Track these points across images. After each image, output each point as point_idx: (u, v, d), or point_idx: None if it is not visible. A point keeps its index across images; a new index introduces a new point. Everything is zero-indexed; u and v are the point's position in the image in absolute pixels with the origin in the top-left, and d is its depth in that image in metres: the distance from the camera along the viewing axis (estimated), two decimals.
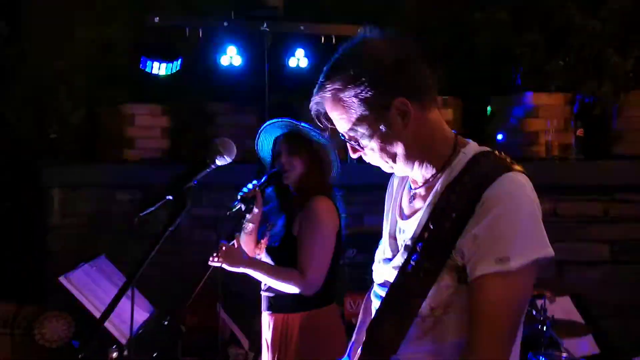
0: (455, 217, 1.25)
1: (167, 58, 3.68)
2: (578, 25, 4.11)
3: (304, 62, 4.16)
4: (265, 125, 2.69)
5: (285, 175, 2.60)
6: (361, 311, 1.75)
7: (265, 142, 2.75)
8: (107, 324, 2.55)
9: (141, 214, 1.54)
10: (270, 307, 2.61)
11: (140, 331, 2.80)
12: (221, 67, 4.29)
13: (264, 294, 2.64)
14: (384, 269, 1.44)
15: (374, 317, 1.37)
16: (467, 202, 1.25)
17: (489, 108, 4.44)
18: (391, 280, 1.36)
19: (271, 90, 3.98)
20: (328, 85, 1.33)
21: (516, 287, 1.23)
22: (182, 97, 4.87)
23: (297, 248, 2.51)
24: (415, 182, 1.42)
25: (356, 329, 1.72)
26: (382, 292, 1.40)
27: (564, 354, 2.80)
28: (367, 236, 3.93)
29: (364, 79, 1.29)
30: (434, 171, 1.36)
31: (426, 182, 1.38)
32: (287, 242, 2.55)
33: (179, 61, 3.83)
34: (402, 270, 1.32)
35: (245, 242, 2.69)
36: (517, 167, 1.30)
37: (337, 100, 1.32)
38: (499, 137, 4.34)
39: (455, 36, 4.55)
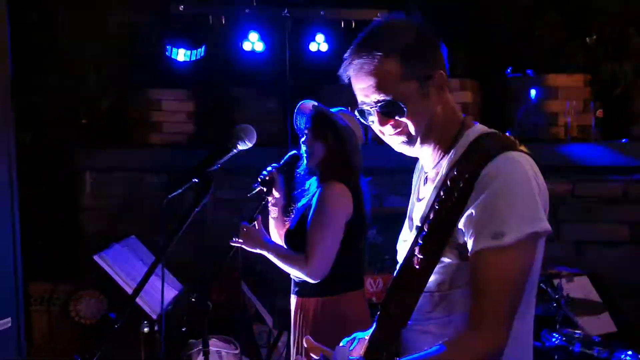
0: (457, 196, 1.30)
1: (191, 45, 3.77)
2: (598, 6, 4.10)
3: (324, 47, 4.21)
4: (298, 105, 2.70)
5: (309, 161, 2.62)
6: None
7: (300, 121, 2.73)
8: (138, 300, 2.68)
9: (169, 196, 1.65)
10: (294, 290, 2.66)
11: (170, 307, 2.94)
12: (243, 52, 4.37)
13: (292, 276, 2.67)
14: (402, 249, 1.51)
15: (386, 294, 1.43)
16: (467, 181, 1.29)
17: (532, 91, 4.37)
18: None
19: (292, 75, 4.05)
20: (365, 55, 1.36)
21: (512, 262, 1.27)
22: (207, 83, 4.97)
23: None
24: (427, 165, 1.48)
25: None
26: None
27: (578, 332, 2.85)
28: (386, 217, 4.04)
29: (410, 49, 1.35)
30: (442, 153, 1.42)
31: (436, 164, 1.44)
32: (300, 226, 2.57)
33: (203, 48, 3.92)
34: (411, 249, 1.37)
35: (274, 226, 2.77)
36: (520, 147, 1.34)
37: (380, 69, 1.35)
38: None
39: (475, 19, 4.56)
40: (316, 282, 2.49)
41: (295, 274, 2.55)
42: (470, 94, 4.53)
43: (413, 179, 1.63)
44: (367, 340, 1.46)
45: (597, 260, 4.13)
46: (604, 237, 4.18)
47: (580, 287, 3.49)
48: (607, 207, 4.16)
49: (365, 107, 1.41)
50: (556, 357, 2.67)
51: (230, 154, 1.79)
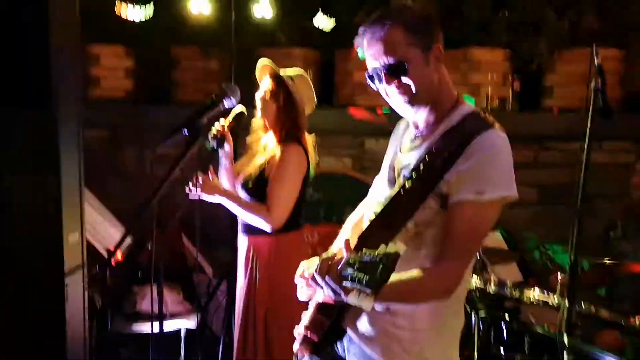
0: (447, 155, 1.56)
1: (138, 2, 3.81)
2: None
3: (268, 13, 4.36)
4: (259, 62, 2.91)
5: (262, 114, 2.87)
6: (346, 228, 2.04)
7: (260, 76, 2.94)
8: (95, 243, 2.84)
9: (165, 141, 1.84)
10: (245, 229, 2.91)
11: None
12: (190, 14, 4.47)
13: (240, 218, 2.92)
14: (381, 191, 1.76)
15: (367, 227, 1.67)
16: (458, 146, 1.55)
17: None
18: (386, 199, 1.66)
19: (237, 41, 4.18)
20: (376, 25, 1.59)
21: (485, 215, 1.56)
22: (148, 41, 5.01)
23: (267, 188, 2.77)
24: (417, 125, 1.72)
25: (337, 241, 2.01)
26: (377, 208, 1.69)
27: (492, 275, 3.22)
28: (320, 176, 4.31)
29: (414, 22, 1.60)
30: (435, 118, 1.68)
31: (427, 126, 1.69)
32: (260, 182, 2.81)
33: (152, 7, 3.97)
34: (398, 192, 1.62)
35: (225, 177, 2.98)
36: (498, 125, 1.61)
37: (389, 35, 1.58)
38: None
39: None
40: (273, 230, 2.76)
41: (254, 220, 2.78)
42: None
43: (392, 139, 1.87)
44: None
45: (509, 219, 4.57)
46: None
47: (491, 241, 3.90)
48: (520, 171, 4.59)
49: (374, 69, 1.64)
50: (474, 295, 3.05)
51: (216, 109, 1.99)
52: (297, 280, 1.79)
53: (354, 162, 4.73)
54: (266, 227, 2.77)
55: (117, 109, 5.00)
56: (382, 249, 1.29)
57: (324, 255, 1.62)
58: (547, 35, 4.59)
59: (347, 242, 1.48)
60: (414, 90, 1.63)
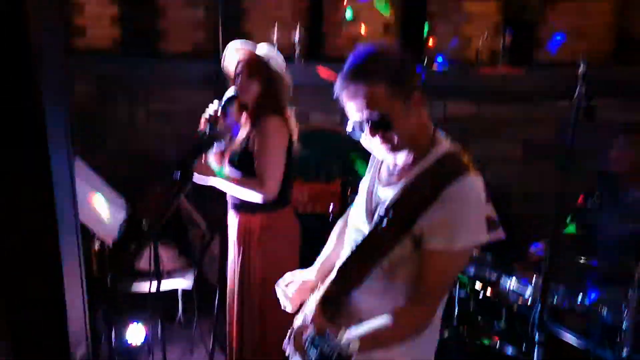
0: (421, 199, 1.62)
1: None
2: None
3: None
4: (229, 46, 2.95)
5: (243, 96, 2.91)
6: (333, 238, 2.12)
7: (229, 60, 2.99)
8: (93, 228, 2.92)
9: (160, 183, 1.91)
10: (235, 207, 3.02)
11: (122, 230, 3.17)
12: None
13: (229, 196, 3.03)
14: (359, 219, 1.83)
15: (345, 260, 1.78)
16: (433, 191, 1.61)
17: (426, 25, 4.68)
18: (365, 230, 1.76)
19: None
20: (358, 81, 1.61)
21: (455, 263, 1.66)
22: None
23: (254, 162, 2.86)
24: (396, 163, 1.77)
25: (325, 254, 2.11)
26: (355, 236, 1.80)
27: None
28: (312, 133, 4.35)
29: (394, 75, 1.62)
30: (412, 159, 1.73)
31: (405, 165, 1.74)
32: (245, 157, 2.89)
33: None
34: (375, 230, 1.71)
35: (214, 159, 3.03)
36: (474, 169, 1.65)
37: (371, 91, 1.60)
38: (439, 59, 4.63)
39: None
40: (267, 201, 2.86)
41: (250, 196, 2.87)
42: (392, 13, 4.75)
43: (371, 160, 1.92)
44: (321, 293, 1.83)
45: (496, 175, 4.68)
46: (503, 154, 4.72)
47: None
48: (507, 128, 4.65)
49: (357, 121, 1.68)
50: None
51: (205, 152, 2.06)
52: (278, 289, 2.04)
53: (343, 118, 4.74)
54: (260, 199, 2.86)
55: (104, 60, 4.95)
56: (341, 335, 1.49)
57: (301, 318, 1.84)
58: None
59: (314, 318, 1.70)
60: (396, 141, 1.67)
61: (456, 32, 4.67)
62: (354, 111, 1.68)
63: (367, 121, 1.66)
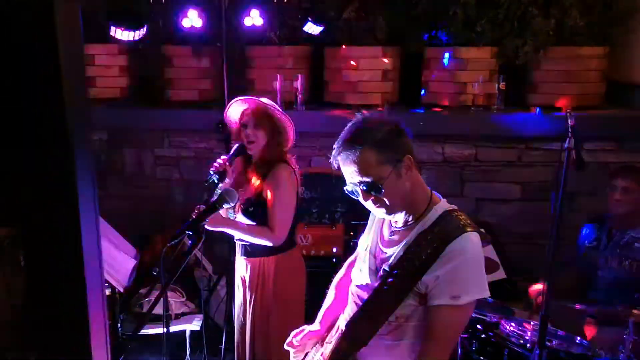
0: (424, 258, 1.73)
1: (133, 26, 3.89)
2: None
3: (258, 22, 4.44)
4: (235, 99, 3.11)
5: (249, 147, 3.06)
6: (332, 290, 2.23)
7: (233, 112, 3.16)
8: (105, 275, 3.01)
9: (169, 244, 2.03)
10: (246, 253, 3.15)
11: (132, 278, 3.27)
12: (182, 29, 4.56)
13: (238, 242, 3.16)
14: (363, 277, 1.92)
15: (353, 316, 1.87)
16: (434, 250, 1.72)
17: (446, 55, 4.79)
18: (369, 288, 1.85)
19: (228, 47, 4.28)
20: (349, 149, 1.73)
21: (461, 317, 1.77)
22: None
23: (267, 209, 3.00)
24: (398, 223, 1.87)
25: (326, 305, 2.22)
26: (360, 293, 1.90)
27: None
28: (314, 176, 4.46)
29: (383, 141, 1.73)
30: (412, 218, 1.83)
31: (405, 225, 1.85)
32: (259, 206, 3.03)
33: (145, 28, 4.05)
34: (380, 288, 1.81)
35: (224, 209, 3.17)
36: (472, 227, 1.76)
37: (361, 158, 1.72)
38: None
39: None
40: (276, 246, 3.02)
41: (261, 242, 3.02)
42: (391, 60, 4.93)
43: (371, 220, 2.02)
44: (331, 348, 1.93)
45: (494, 214, 4.80)
46: (500, 195, 4.84)
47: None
48: (504, 169, 4.78)
49: (351, 187, 1.79)
50: None
51: (216, 212, 2.19)
52: (287, 347, 2.13)
53: None
54: (270, 244, 3.01)
55: (115, 110, 5.11)
56: None
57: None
58: (531, 33, 4.67)
59: None
60: (389, 204, 1.79)
61: (452, 77, 4.84)
62: (349, 177, 1.79)
63: (359, 186, 1.76)
